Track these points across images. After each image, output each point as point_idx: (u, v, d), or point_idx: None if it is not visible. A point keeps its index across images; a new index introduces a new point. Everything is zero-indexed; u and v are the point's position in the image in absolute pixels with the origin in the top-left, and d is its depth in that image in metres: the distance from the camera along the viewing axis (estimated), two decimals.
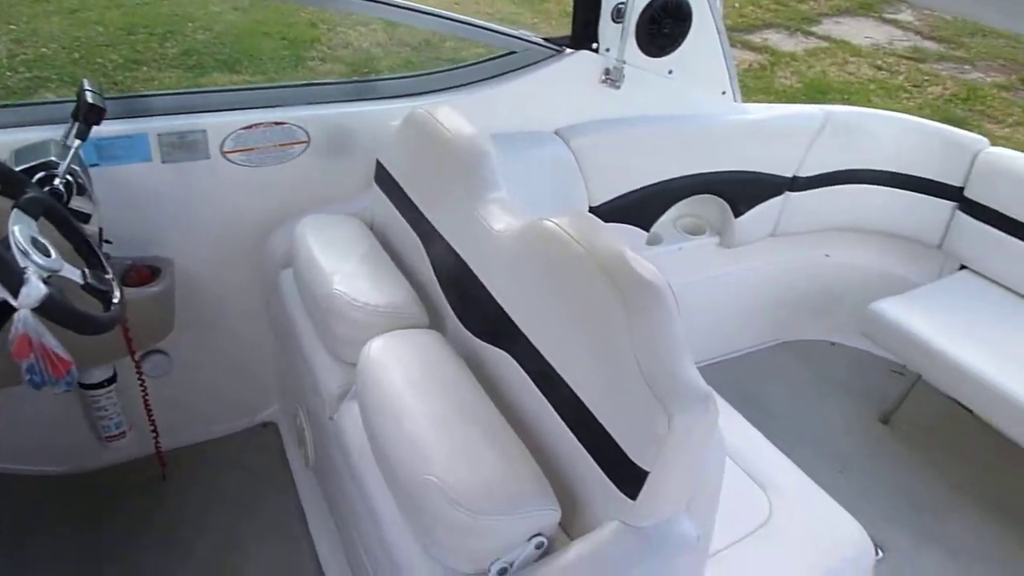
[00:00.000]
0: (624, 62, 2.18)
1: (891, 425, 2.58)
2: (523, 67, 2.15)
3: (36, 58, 5.82)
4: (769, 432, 2.50)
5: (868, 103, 6.67)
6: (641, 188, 2.33)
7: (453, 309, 1.59)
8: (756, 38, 7.99)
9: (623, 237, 2.35)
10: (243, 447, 2.24)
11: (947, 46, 7.96)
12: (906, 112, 7.03)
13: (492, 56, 2.15)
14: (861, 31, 8.26)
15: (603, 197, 2.28)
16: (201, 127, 1.82)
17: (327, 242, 1.71)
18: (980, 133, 6.66)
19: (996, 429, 2.13)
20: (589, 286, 1.19)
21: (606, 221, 2.30)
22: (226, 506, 2.07)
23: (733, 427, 1.90)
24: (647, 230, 2.42)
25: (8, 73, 5.61)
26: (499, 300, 1.41)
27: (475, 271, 1.49)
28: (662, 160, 2.35)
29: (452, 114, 1.67)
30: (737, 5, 8.80)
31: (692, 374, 1.13)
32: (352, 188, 1.98)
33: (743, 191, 2.52)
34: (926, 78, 7.12)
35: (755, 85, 6.99)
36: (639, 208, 2.35)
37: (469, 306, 1.54)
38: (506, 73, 2.13)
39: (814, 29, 8.30)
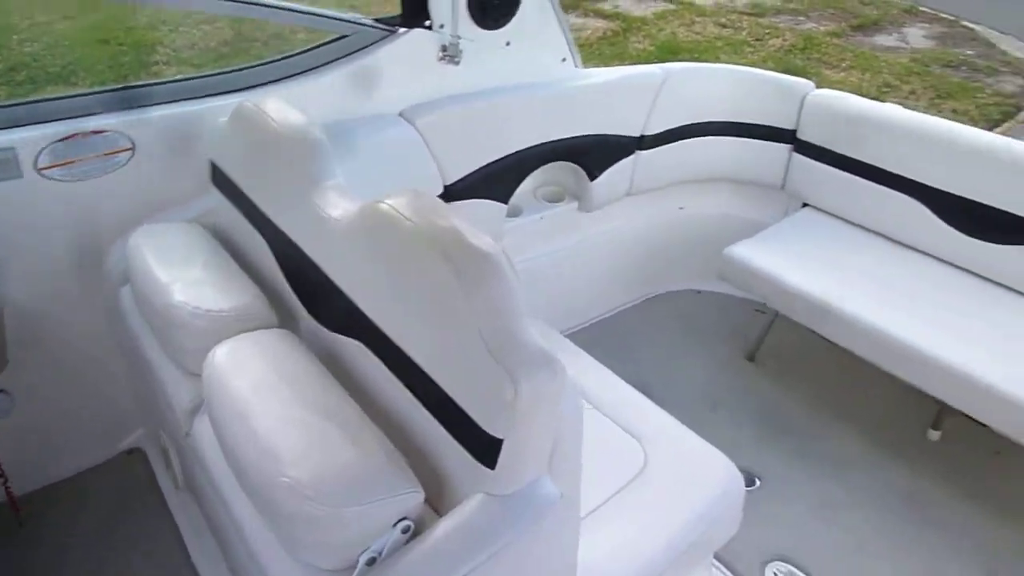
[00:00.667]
0: (459, 37, 2.16)
1: (756, 361, 2.70)
2: (357, 50, 2.09)
3: None
4: (645, 382, 2.57)
5: (717, 59, 6.92)
6: (494, 161, 2.33)
7: (304, 304, 1.54)
8: (607, 6, 8.14)
9: (482, 212, 2.35)
10: (108, 478, 2.11)
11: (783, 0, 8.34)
12: (751, 64, 7.33)
13: (324, 42, 2.08)
14: None
15: (457, 174, 2.26)
16: (8, 144, 1.68)
17: (164, 252, 1.62)
18: (818, 78, 6.99)
19: (848, 351, 2.26)
20: (425, 263, 1.18)
21: (463, 199, 2.29)
22: (95, 544, 1.95)
23: (606, 383, 1.94)
24: (506, 203, 2.42)
25: None
26: (345, 289, 1.38)
27: (318, 263, 1.45)
28: (511, 131, 2.35)
29: (280, 106, 1.61)
30: None
31: (533, 338, 1.13)
32: (189, 192, 1.88)
33: (595, 154, 2.55)
34: (767, 31, 7.44)
35: (611, 52, 7.12)
36: (495, 182, 2.35)
37: (318, 300, 1.49)
38: (341, 58, 2.07)
39: None
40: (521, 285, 1.17)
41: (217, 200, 1.79)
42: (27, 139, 1.70)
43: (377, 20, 2.12)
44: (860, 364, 2.25)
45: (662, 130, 2.67)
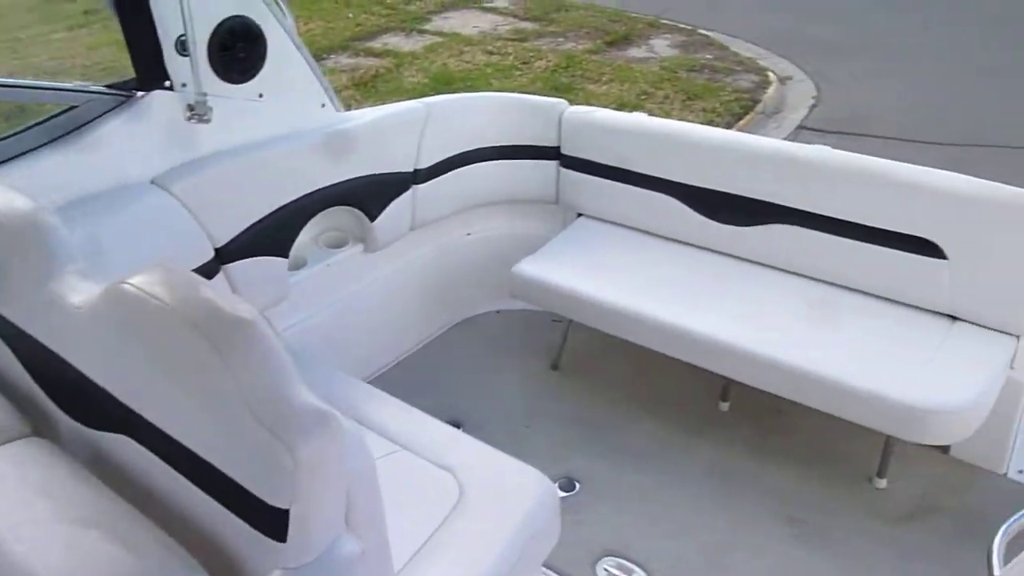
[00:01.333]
0: (205, 95, 2.07)
1: (560, 369, 2.80)
2: (93, 120, 1.94)
3: None
4: (459, 410, 2.59)
5: (488, 85, 7.16)
6: (265, 216, 2.25)
7: (60, 406, 1.40)
8: (377, 44, 8.18)
9: (262, 269, 2.26)
10: None
11: (541, 24, 8.80)
12: (522, 86, 7.60)
13: (53, 115, 1.91)
14: (468, 22, 8.82)
15: (226, 236, 2.15)
16: None
17: None
18: (584, 94, 7.35)
19: (638, 345, 2.40)
20: (180, 341, 1.10)
21: (237, 259, 2.19)
22: None
23: (413, 422, 1.92)
24: (286, 256, 2.34)
25: None
26: (100, 383, 1.26)
27: (67, 358, 1.32)
28: (279, 184, 2.28)
29: (1, 192, 1.45)
30: (351, 16, 8.95)
31: (305, 398, 1.09)
32: None
33: (371, 195, 2.54)
34: (531, 55, 7.79)
35: (387, 88, 7.16)
36: (270, 237, 2.27)
37: (75, 398, 1.36)
38: (75, 130, 1.92)
39: (427, 27, 8.70)
40: (283, 350, 1.13)
41: None
42: None
43: (109, 86, 1.98)
44: (652, 355, 2.39)
45: (434, 162, 2.70)
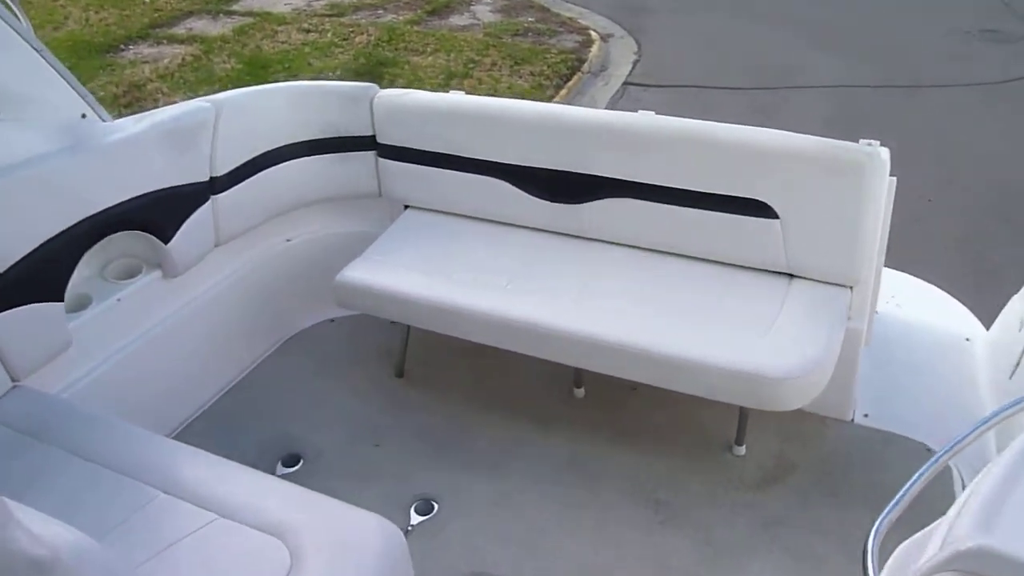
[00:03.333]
0: None
1: (406, 376, 2.56)
2: None
3: None
4: (297, 438, 2.31)
5: (308, 67, 6.69)
6: (23, 258, 1.85)
7: None
8: (180, 29, 7.47)
9: (31, 321, 1.87)
10: None
11: None
12: (342, 64, 7.19)
13: None
14: (279, 0, 8.22)
15: None
16: None
17: None
18: (409, 67, 7.04)
19: (481, 344, 2.20)
20: None
21: None
22: None
23: (229, 478, 1.63)
24: (61, 299, 1.95)
25: None
26: None
27: None
28: (35, 216, 1.88)
29: None
30: (148, 0, 8.11)
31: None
32: None
33: (160, 214, 2.17)
34: (351, 30, 7.36)
35: (196, 77, 6.53)
36: (33, 280, 1.87)
37: None
38: None
39: (234, 7, 8.03)
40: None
41: None
42: None
43: None
44: (500, 350, 2.20)
45: (234, 166, 2.36)
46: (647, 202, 2.27)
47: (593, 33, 7.56)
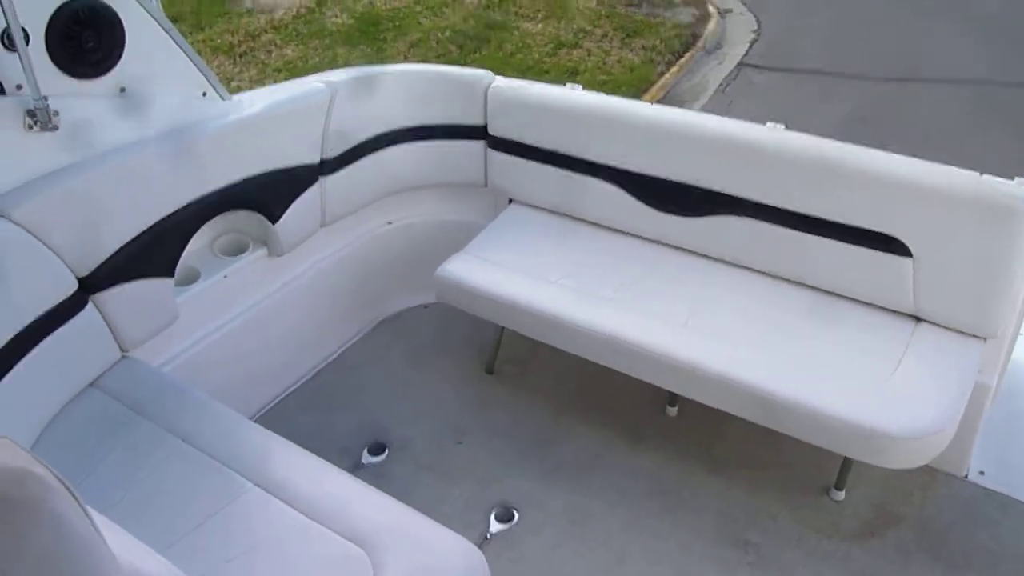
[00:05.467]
0: (46, 97, 1.66)
1: (496, 373, 2.52)
2: None
3: None
4: (380, 426, 2.31)
5: (417, 26, 6.63)
6: (140, 234, 1.87)
7: None
8: None
9: (141, 294, 1.90)
10: None
11: None
12: (451, 25, 7.09)
13: None
14: None
15: (92, 262, 1.78)
16: None
17: None
18: (518, 33, 6.89)
19: (575, 355, 2.13)
20: None
21: (108, 287, 1.82)
22: None
23: (315, 475, 1.62)
24: (171, 275, 1.98)
25: None
26: None
27: None
28: (154, 193, 1.90)
29: None
30: None
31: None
32: None
33: (271, 194, 2.17)
34: None
35: (308, 30, 6.58)
36: (147, 256, 1.90)
37: None
38: None
39: None
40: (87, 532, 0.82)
41: None
42: None
43: None
44: (590, 365, 2.13)
45: (345, 149, 2.33)
46: (768, 224, 2.13)
47: (711, 7, 7.21)
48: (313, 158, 2.26)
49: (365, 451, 2.24)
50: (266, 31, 6.41)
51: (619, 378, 2.14)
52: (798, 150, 2.05)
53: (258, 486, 1.60)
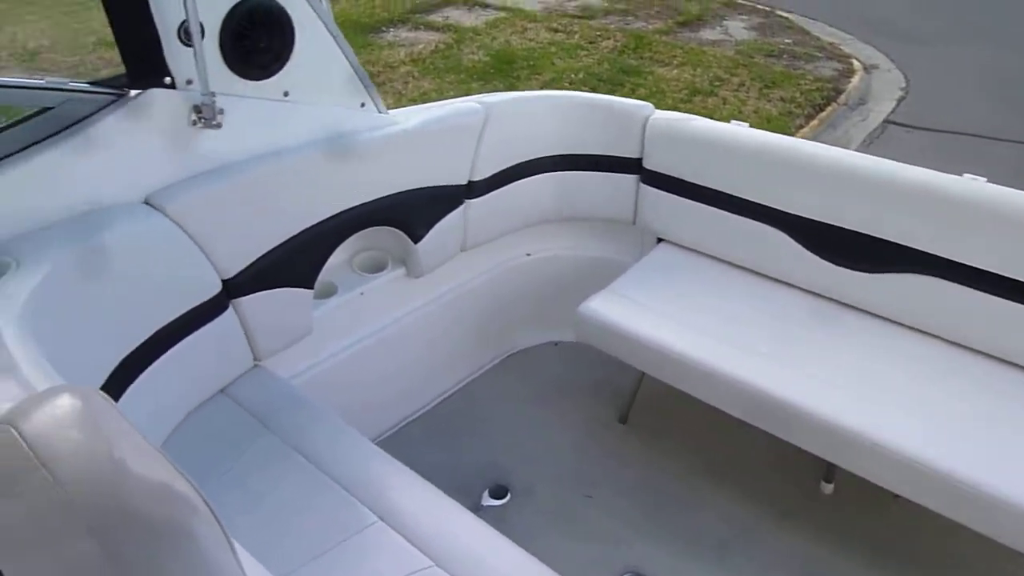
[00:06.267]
0: (214, 94, 1.61)
1: (630, 423, 2.31)
2: (70, 125, 1.51)
3: None
4: (502, 468, 2.14)
5: (552, 66, 6.60)
6: (286, 241, 1.80)
7: None
8: (437, 17, 7.66)
9: (279, 304, 1.82)
10: None
11: (610, 0, 8.15)
12: (585, 67, 7.03)
13: (16, 120, 1.48)
14: None
15: (237, 266, 1.71)
16: None
17: None
18: (652, 78, 6.75)
19: (722, 410, 1.91)
20: (57, 530, 0.66)
21: (249, 292, 1.75)
22: None
23: (442, 514, 1.47)
24: (310, 287, 1.90)
25: None
26: None
27: None
28: (303, 202, 1.83)
29: None
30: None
31: None
32: None
33: (416, 213, 2.07)
34: (598, 34, 7.19)
35: (445, 65, 6.65)
36: (290, 265, 1.82)
37: None
38: (47, 138, 1.48)
39: (490, 1, 8.13)
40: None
41: None
42: None
43: (96, 82, 1.54)
44: (737, 424, 1.90)
45: (493, 172, 2.22)
46: (958, 285, 1.85)
47: (855, 62, 6.86)
48: (461, 179, 2.15)
49: (486, 492, 2.08)
50: (405, 63, 6.53)
51: (769, 442, 1.89)
52: (1005, 207, 1.78)
53: (381, 519, 1.46)
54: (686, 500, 2.06)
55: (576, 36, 7.12)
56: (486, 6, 7.93)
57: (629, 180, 2.31)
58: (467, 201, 2.18)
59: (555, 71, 6.55)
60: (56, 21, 6.82)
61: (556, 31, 7.25)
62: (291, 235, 1.81)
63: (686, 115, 2.26)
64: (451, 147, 2.10)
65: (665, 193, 2.25)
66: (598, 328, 2.06)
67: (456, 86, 6.28)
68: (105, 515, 0.67)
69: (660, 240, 2.35)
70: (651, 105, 2.30)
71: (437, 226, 2.12)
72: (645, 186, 2.29)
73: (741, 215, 2.14)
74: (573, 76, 6.43)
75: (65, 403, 0.77)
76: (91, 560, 0.66)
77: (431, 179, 2.07)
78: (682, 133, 2.20)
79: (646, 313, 2.04)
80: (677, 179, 2.22)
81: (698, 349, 1.91)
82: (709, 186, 2.17)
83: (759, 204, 2.09)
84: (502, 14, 7.69)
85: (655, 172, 2.25)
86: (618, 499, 2.06)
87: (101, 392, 0.81)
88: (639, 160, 2.28)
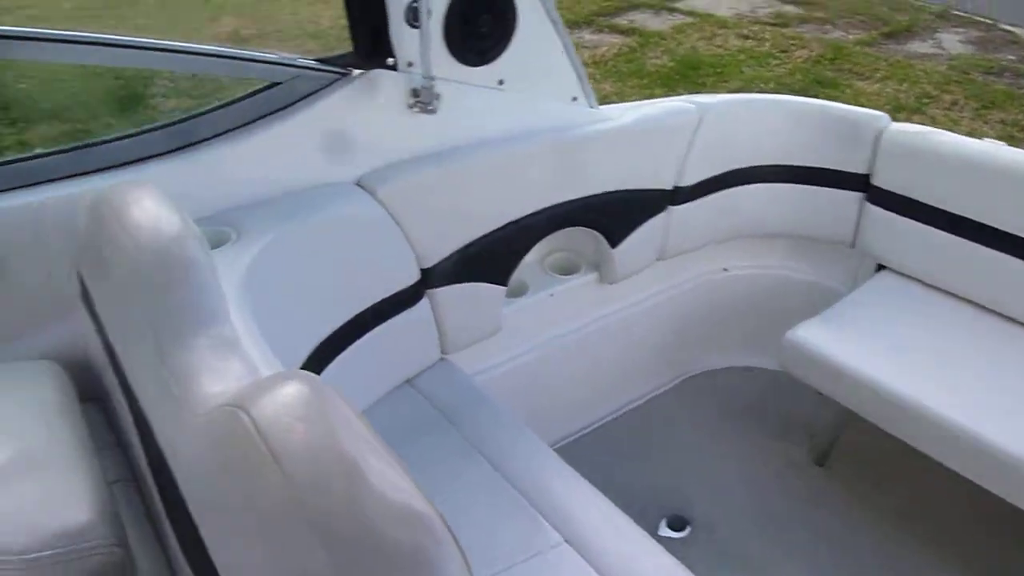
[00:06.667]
0: (434, 78, 1.56)
1: (829, 467, 2.06)
2: (296, 102, 1.50)
3: None
4: (682, 497, 1.96)
5: (740, 74, 6.28)
6: (487, 234, 1.73)
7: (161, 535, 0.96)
8: (622, 20, 7.51)
9: (472, 298, 1.75)
10: None
11: (807, 8, 7.67)
12: (775, 77, 6.64)
13: (249, 93, 1.49)
14: (722, 2, 7.88)
15: (437, 255, 1.66)
16: None
17: None
18: (851, 91, 6.27)
19: (943, 465, 1.64)
20: (281, 527, 0.59)
21: (445, 283, 1.69)
22: None
23: (619, 532, 1.34)
24: (505, 284, 1.81)
25: None
26: (196, 520, 0.79)
27: (173, 468, 0.86)
28: (507, 196, 1.75)
29: (142, 198, 1.02)
30: None
31: None
32: (50, 309, 1.30)
33: (617, 215, 1.94)
34: (791, 42, 6.77)
35: (628, 69, 6.50)
36: (489, 260, 1.75)
37: (173, 524, 0.90)
38: (272, 113, 1.48)
39: (678, 5, 7.88)
40: None
41: (86, 327, 1.21)
42: None
43: (322, 60, 1.53)
44: (960, 480, 1.62)
45: (701, 179, 2.05)
46: None
47: None
48: (667, 183, 2.00)
49: (664, 521, 1.91)
50: (587, 64, 6.43)
51: (987, 501, 1.60)
52: None
53: (567, 541, 1.34)
54: (891, 560, 1.79)
55: (767, 44, 6.74)
56: (674, 11, 7.69)
57: (852, 198, 2.07)
58: (670, 207, 2.03)
59: (743, 79, 6.22)
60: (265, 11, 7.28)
61: (746, 38, 6.90)
62: (492, 229, 1.73)
63: (928, 128, 1.98)
64: (661, 149, 1.96)
65: (895, 215, 1.99)
66: (807, 358, 1.84)
67: (638, 90, 6.11)
68: (343, 532, 0.59)
69: (880, 267, 2.08)
70: (886, 115, 2.04)
71: (637, 231, 1.98)
72: (871, 206, 2.03)
73: (983, 244, 1.84)
74: (762, 85, 6.08)
75: (297, 393, 0.71)
76: (320, 573, 0.59)
77: (636, 181, 1.94)
78: (923, 148, 1.93)
79: (861, 346, 1.80)
80: (911, 200, 1.95)
81: (916, 391, 1.65)
82: (949, 210, 1.89)
83: (1007, 233, 1.79)
84: (690, 19, 7.43)
85: (885, 190, 1.99)
86: (814, 548, 1.84)
87: (332, 386, 0.74)
88: (866, 176, 2.03)
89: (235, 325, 0.95)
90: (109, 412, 1.22)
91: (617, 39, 7.03)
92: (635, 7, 7.86)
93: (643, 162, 1.94)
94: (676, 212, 2.04)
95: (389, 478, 0.63)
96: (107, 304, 1.07)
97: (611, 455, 2.10)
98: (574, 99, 1.85)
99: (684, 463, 2.07)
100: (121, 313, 1.01)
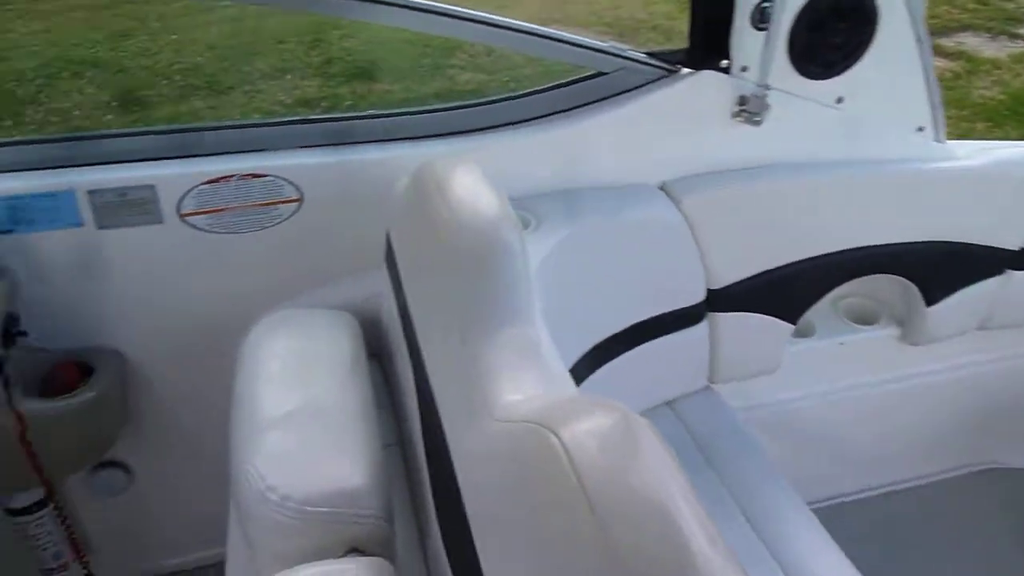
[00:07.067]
0: (768, 87, 1.41)
1: None
2: (616, 95, 1.43)
3: (191, 67, 5.73)
4: None
5: None
6: (786, 265, 1.55)
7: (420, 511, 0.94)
8: (949, 42, 6.66)
9: (754, 330, 1.59)
10: None
11: None
12: None
13: (573, 79, 1.44)
14: None
15: (728, 278, 1.52)
16: (148, 181, 1.26)
17: (287, 359, 1.09)
18: None
19: None
20: (575, 559, 0.53)
21: (730, 309, 1.55)
22: None
23: None
24: (793, 322, 1.63)
25: (164, 81, 5.56)
26: (472, 523, 0.75)
27: (456, 465, 0.82)
28: (818, 226, 1.56)
29: (466, 174, 1.00)
30: (927, 4, 7.46)
31: None
32: (355, 265, 1.35)
33: (941, 269, 1.66)
34: None
35: (947, 97, 5.74)
36: (782, 292, 1.57)
37: (442, 517, 0.88)
38: (593, 103, 1.43)
39: (1021, 31, 6.83)
40: None
41: (385, 288, 1.24)
42: (172, 176, 1.27)
43: (652, 55, 1.44)
44: None
45: None
46: None
47: None
48: (1010, 243, 1.68)
49: None
50: None
51: None
52: None
53: None
54: None
55: None
56: (1015, 36, 6.67)
57: None
58: (1010, 272, 1.70)
59: None
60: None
61: None
62: (792, 260, 1.55)
63: None
64: (1006, 199, 1.64)
65: None
66: None
67: (954, 123, 5.38)
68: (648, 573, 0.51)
69: None
70: None
71: (962, 292, 1.68)
72: None
73: None
74: None
75: (614, 425, 0.63)
76: None
77: (973, 235, 1.64)
78: None
79: None
80: None
81: None
82: None
83: None
84: None
85: None
86: None
87: (647, 421, 0.65)
88: None
89: (537, 326, 0.89)
90: (387, 372, 1.25)
91: (940, 62, 6.24)
92: (968, 28, 6.95)
93: (986, 214, 1.64)
94: (1017, 278, 1.71)
95: (703, 529, 0.55)
96: (413, 270, 1.08)
97: (874, 538, 1.84)
98: (920, 129, 1.59)
99: (966, 570, 1.75)
100: (427, 283, 1.01)
